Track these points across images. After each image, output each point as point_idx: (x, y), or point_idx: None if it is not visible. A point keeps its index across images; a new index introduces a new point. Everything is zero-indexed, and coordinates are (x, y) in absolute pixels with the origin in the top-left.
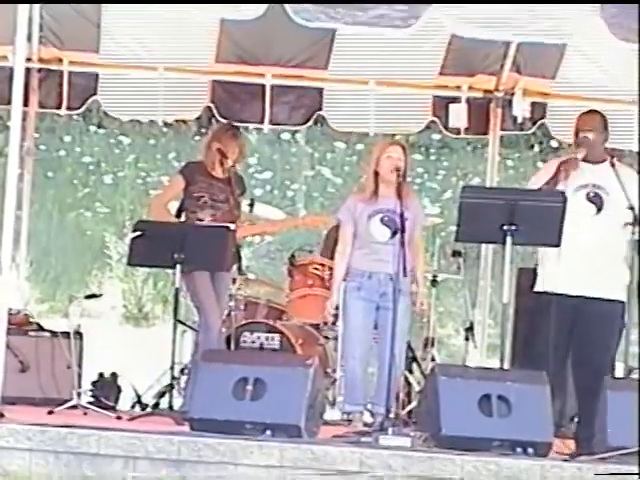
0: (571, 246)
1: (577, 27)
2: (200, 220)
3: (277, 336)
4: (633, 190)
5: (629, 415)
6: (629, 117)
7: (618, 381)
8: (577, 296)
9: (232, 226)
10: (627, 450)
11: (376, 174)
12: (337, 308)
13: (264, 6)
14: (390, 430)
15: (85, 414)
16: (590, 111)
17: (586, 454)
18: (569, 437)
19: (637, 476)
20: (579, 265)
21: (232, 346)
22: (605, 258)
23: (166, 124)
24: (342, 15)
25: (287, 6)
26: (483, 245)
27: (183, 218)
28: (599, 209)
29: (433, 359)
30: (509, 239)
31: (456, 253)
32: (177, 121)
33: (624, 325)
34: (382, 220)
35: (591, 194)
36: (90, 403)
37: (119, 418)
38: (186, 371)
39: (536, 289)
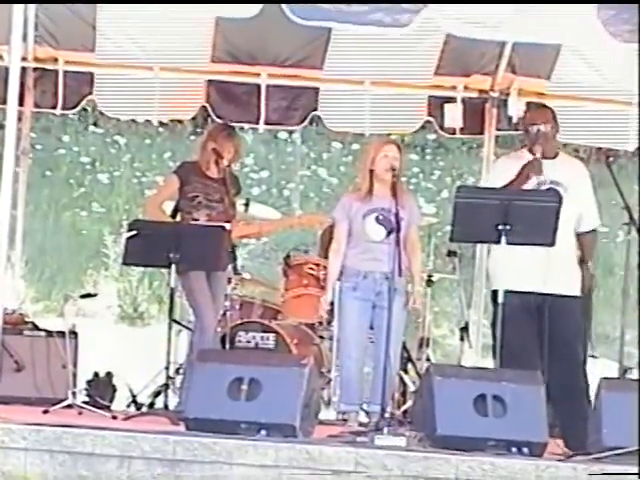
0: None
1: (573, 27)
2: (195, 220)
3: (272, 336)
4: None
5: (624, 415)
6: (624, 117)
7: (613, 381)
8: (546, 294)
9: (227, 226)
10: (622, 450)
11: (371, 173)
12: (332, 304)
13: (259, 5)
14: (385, 430)
15: (80, 414)
16: (541, 105)
17: (581, 454)
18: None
19: (637, 476)
20: (533, 262)
21: (227, 346)
22: (560, 254)
23: (162, 124)
24: (338, 14)
25: (283, 5)
26: (478, 245)
27: (178, 218)
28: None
29: (428, 359)
30: (504, 239)
31: (451, 253)
32: (172, 121)
33: (585, 321)
34: (377, 219)
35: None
36: (85, 402)
37: (114, 418)
38: (181, 371)
39: (493, 287)
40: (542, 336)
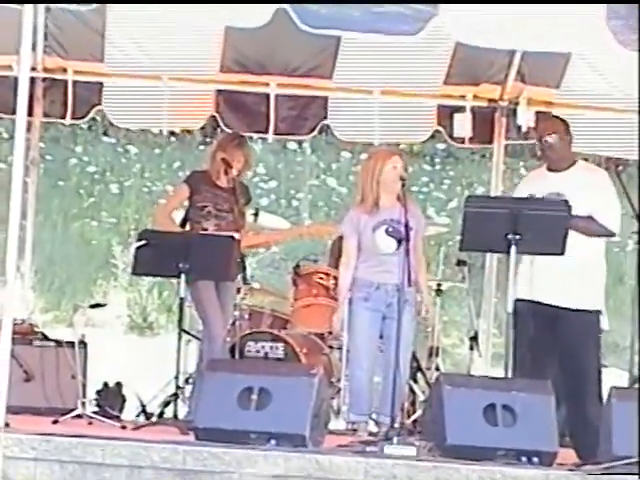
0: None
1: (582, 36)
2: (204, 230)
3: (282, 345)
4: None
5: (634, 424)
6: (633, 126)
7: (623, 391)
8: (550, 305)
9: (237, 235)
10: (632, 460)
11: (377, 184)
12: (342, 322)
13: (269, 13)
14: (395, 439)
15: (90, 423)
16: (550, 116)
17: (591, 464)
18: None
19: (637, 476)
20: (543, 274)
21: (237, 355)
22: (566, 267)
23: (171, 133)
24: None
25: (292, 13)
26: (488, 254)
27: (187, 228)
28: None
29: (438, 368)
30: (513, 248)
31: (461, 262)
32: (182, 131)
33: (600, 333)
34: (387, 231)
35: None
36: (95, 412)
37: (124, 427)
38: (191, 380)
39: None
40: (554, 347)
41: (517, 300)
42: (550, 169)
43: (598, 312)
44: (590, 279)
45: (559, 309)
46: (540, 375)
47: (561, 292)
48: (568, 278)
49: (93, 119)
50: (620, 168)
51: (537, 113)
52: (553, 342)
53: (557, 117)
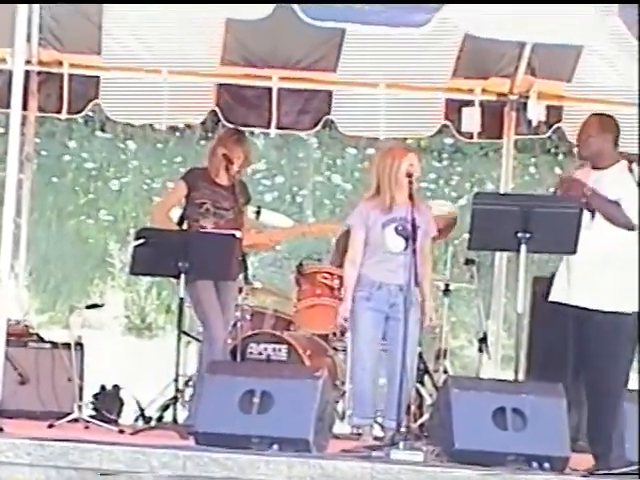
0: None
1: (594, 28)
2: (202, 228)
3: (284, 347)
4: None
5: None
6: None
7: (635, 394)
8: (578, 307)
9: (238, 234)
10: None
11: (394, 182)
12: (346, 320)
13: (271, 6)
14: (401, 444)
15: (87, 428)
16: (592, 115)
17: (604, 469)
18: (586, 451)
19: (637, 476)
20: (578, 275)
21: (238, 358)
22: (602, 268)
23: (171, 129)
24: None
25: (295, 5)
26: (497, 253)
27: (185, 226)
28: (593, 215)
29: (445, 371)
30: (524, 247)
31: (469, 261)
32: (182, 126)
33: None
34: (397, 230)
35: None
36: (92, 416)
37: (122, 432)
38: (191, 383)
39: (550, 298)
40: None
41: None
42: (593, 167)
43: (633, 315)
44: (623, 277)
45: (589, 311)
46: (558, 379)
47: (593, 293)
48: (601, 277)
49: (90, 114)
50: (634, 164)
51: (548, 107)
52: (579, 345)
53: (596, 114)
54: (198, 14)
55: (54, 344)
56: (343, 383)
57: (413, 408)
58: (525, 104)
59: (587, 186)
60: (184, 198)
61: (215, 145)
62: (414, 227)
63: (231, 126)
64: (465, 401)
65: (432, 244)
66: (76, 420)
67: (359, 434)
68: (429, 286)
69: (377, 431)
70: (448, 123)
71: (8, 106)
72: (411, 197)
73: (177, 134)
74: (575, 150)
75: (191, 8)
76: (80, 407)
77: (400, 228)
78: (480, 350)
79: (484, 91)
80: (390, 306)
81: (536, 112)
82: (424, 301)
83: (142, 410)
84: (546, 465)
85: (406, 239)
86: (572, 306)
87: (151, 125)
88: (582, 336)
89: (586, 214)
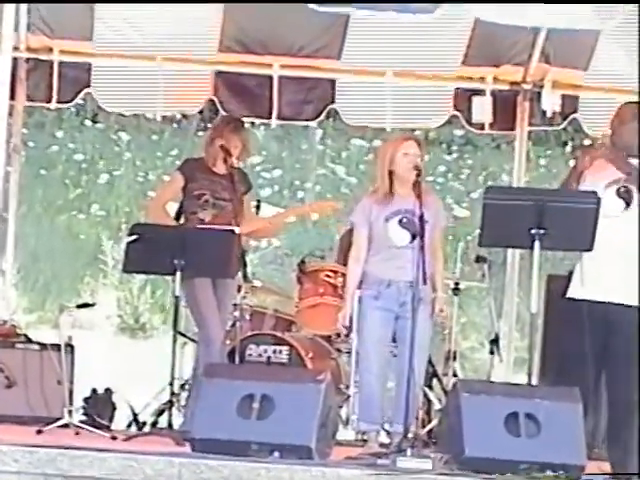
0: (599, 247)
1: (611, 13)
2: (201, 220)
3: (285, 349)
4: None
5: None
6: None
7: None
8: (606, 302)
9: (237, 229)
10: None
11: (390, 173)
12: (351, 321)
13: None
14: (409, 451)
15: (77, 434)
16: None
17: (622, 476)
18: (603, 459)
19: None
20: (607, 268)
21: (236, 360)
22: (634, 260)
23: (167, 119)
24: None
25: None
26: (509, 250)
27: (183, 220)
28: (627, 204)
29: (455, 374)
30: (537, 243)
31: (480, 259)
32: (178, 115)
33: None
34: (401, 222)
35: (622, 189)
36: (82, 422)
37: (114, 438)
38: (187, 387)
39: (568, 295)
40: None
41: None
42: (629, 156)
43: None
44: None
45: (617, 307)
46: (574, 382)
47: (622, 287)
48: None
49: (81, 103)
50: None
51: (563, 96)
52: (600, 345)
53: (631, 102)
54: None
55: (43, 345)
56: (347, 387)
57: (421, 413)
58: (539, 93)
59: (633, 164)
60: (181, 190)
61: (211, 135)
62: (422, 222)
63: (229, 114)
64: (476, 406)
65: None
66: (66, 425)
67: (364, 440)
68: (441, 279)
69: (383, 438)
70: (458, 113)
71: None
72: (417, 190)
73: (173, 125)
74: (601, 140)
75: None
76: (70, 412)
77: (405, 220)
78: (491, 352)
79: (496, 80)
80: (400, 305)
81: (551, 102)
82: (436, 295)
83: (135, 415)
84: (561, 473)
85: (412, 233)
86: (594, 302)
87: (145, 115)
88: (606, 335)
89: (616, 202)
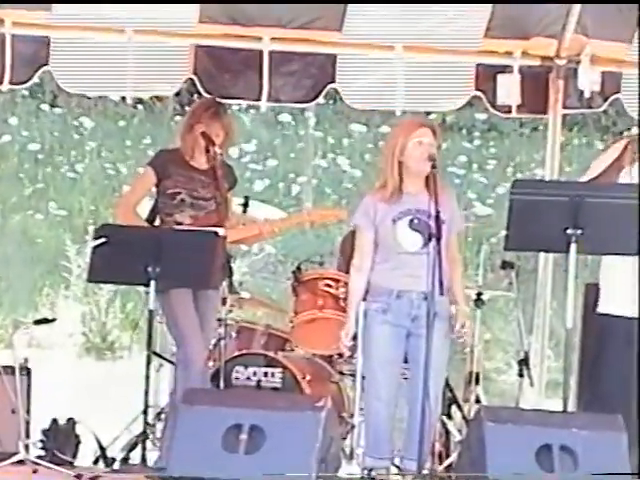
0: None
1: None
2: (178, 224)
3: (278, 371)
4: None
5: None
6: None
7: None
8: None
9: (221, 231)
10: None
11: (400, 165)
12: (355, 338)
13: None
14: None
15: (35, 472)
16: None
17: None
18: None
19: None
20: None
21: (221, 384)
22: None
23: (138, 102)
24: None
25: None
26: (541, 255)
27: (158, 222)
28: None
29: (478, 400)
30: (574, 247)
31: (507, 265)
32: (151, 98)
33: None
34: (411, 224)
35: None
36: (41, 457)
37: (78, 477)
38: (163, 416)
39: (599, 310)
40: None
41: (602, 315)
42: None
43: None
44: None
45: None
46: (617, 409)
47: None
48: None
49: (37, 84)
50: None
51: (603, 74)
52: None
53: None
54: None
55: None
56: (351, 415)
57: (438, 446)
58: (575, 70)
59: None
60: (154, 187)
61: (189, 120)
62: (437, 222)
63: (208, 97)
64: (502, 437)
65: (460, 240)
66: (22, 462)
67: (372, 478)
68: (462, 290)
69: (394, 475)
70: (480, 94)
71: None
72: (432, 185)
73: (145, 109)
74: None
75: None
76: (27, 446)
77: (416, 221)
78: (520, 374)
79: (525, 54)
80: (412, 319)
81: (589, 80)
82: (457, 306)
83: (103, 450)
84: None
85: (425, 236)
86: (635, 318)
87: (112, 98)
88: None
89: None
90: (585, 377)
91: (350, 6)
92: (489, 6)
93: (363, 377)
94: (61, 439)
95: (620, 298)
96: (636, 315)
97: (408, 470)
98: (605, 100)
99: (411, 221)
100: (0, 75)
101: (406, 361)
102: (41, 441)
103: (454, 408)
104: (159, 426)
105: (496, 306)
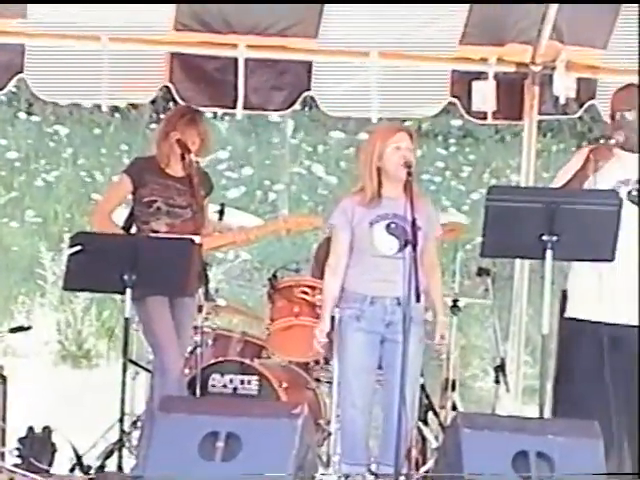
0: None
1: None
2: (155, 232)
3: (255, 378)
4: None
5: None
6: None
7: None
8: (613, 324)
9: (197, 239)
10: None
11: (378, 170)
12: (329, 336)
13: None
14: None
15: None
16: (628, 85)
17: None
18: None
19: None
20: (615, 284)
21: (197, 392)
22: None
23: (113, 109)
24: None
25: None
26: (517, 261)
27: (134, 230)
28: None
29: (454, 407)
30: (549, 253)
31: (483, 271)
32: (127, 106)
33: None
34: (389, 227)
35: (633, 192)
36: (17, 465)
37: None
38: (139, 424)
39: (566, 314)
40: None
41: (569, 319)
42: (625, 148)
43: None
44: None
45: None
46: (593, 415)
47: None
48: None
49: (13, 92)
50: None
51: (579, 80)
52: (622, 373)
53: (634, 85)
54: None
55: None
56: (328, 422)
57: (414, 452)
58: (551, 77)
59: None
60: (130, 195)
61: (164, 128)
62: (414, 228)
63: (183, 104)
64: (479, 443)
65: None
66: None
67: None
68: (441, 299)
69: None
70: (455, 100)
71: None
72: (408, 191)
73: (120, 116)
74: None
75: None
76: (3, 454)
77: (393, 226)
78: (497, 380)
79: (500, 61)
80: (386, 325)
81: (564, 86)
82: (436, 315)
83: (79, 458)
84: None
85: (401, 240)
86: (614, 325)
87: (87, 105)
88: (627, 361)
89: (631, 209)
90: (563, 382)
91: (326, 12)
92: (464, 12)
93: (339, 384)
94: (37, 447)
95: (586, 303)
96: (602, 319)
97: (384, 476)
98: (580, 106)
99: (388, 225)
100: None
101: (380, 367)
102: (17, 449)
103: (430, 415)
104: (135, 434)
105: (472, 313)
